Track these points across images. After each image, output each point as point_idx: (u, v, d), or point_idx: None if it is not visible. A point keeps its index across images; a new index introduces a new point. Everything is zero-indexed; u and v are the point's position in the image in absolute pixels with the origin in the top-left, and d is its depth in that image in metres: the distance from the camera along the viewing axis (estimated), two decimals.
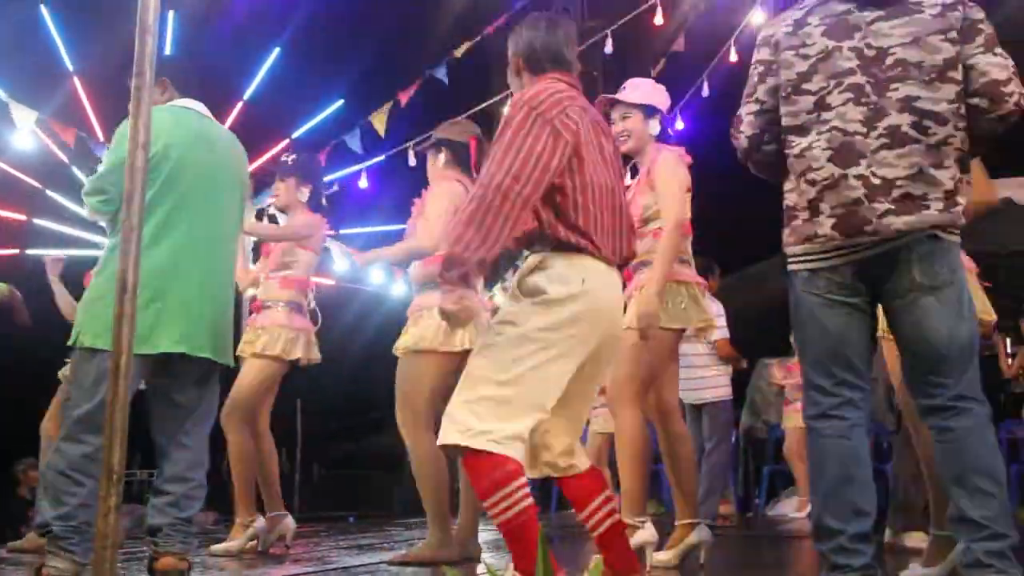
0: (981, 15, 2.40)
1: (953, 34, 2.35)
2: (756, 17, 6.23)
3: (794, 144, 2.43)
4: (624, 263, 2.62)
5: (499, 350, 2.37)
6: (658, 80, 4.07)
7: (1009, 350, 8.16)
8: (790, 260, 2.46)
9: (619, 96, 3.63)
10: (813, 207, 2.38)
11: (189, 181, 2.95)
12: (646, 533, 3.31)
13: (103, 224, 3.15)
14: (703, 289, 3.60)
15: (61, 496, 2.72)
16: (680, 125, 7.18)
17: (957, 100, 2.34)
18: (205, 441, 3.01)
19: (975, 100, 2.36)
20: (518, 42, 2.69)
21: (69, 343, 2.90)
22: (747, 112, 2.53)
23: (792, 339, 7.13)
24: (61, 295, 5.11)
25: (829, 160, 2.36)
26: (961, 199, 2.33)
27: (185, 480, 2.90)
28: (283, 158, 4.72)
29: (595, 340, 2.43)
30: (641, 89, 3.67)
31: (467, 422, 2.30)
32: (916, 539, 3.80)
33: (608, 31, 6.21)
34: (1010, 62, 2.37)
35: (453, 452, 2.37)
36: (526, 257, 2.52)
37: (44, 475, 2.88)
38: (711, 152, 4.00)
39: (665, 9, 6.00)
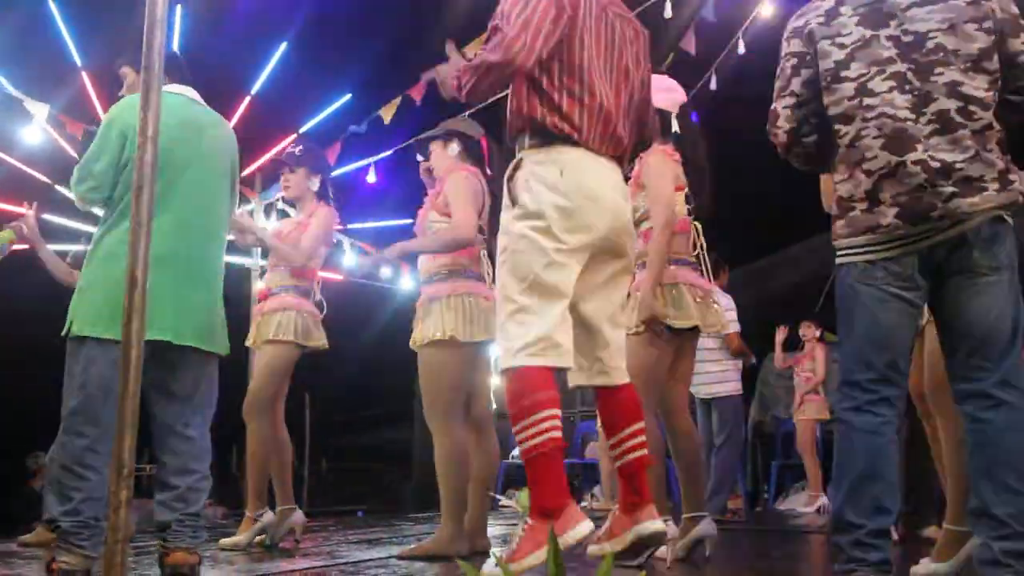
0: (1016, 9, 2.38)
1: (988, 23, 2.33)
2: (765, 10, 6.19)
3: (843, 133, 2.40)
4: (616, 155, 2.60)
5: (510, 263, 2.44)
6: (666, 74, 4.05)
7: None
8: (844, 251, 2.41)
9: None
10: (872, 197, 2.34)
11: (176, 167, 2.92)
12: (704, 527, 3.41)
13: (98, 212, 3.09)
14: (704, 292, 3.59)
15: (66, 491, 2.71)
16: (682, 96, 7.11)
17: (991, 88, 2.33)
18: (206, 431, 2.99)
19: (1018, 97, 2.37)
20: None
21: (62, 333, 2.87)
22: (783, 106, 2.49)
23: (801, 332, 7.11)
24: (50, 260, 5.03)
25: (883, 148, 2.33)
26: (1014, 177, 2.32)
27: (190, 472, 2.89)
28: (290, 149, 4.69)
29: (598, 227, 2.46)
30: None
31: (505, 344, 2.41)
32: (932, 532, 3.78)
33: None
34: None
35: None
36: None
37: (49, 469, 2.87)
38: (717, 147, 3.98)
39: (674, 3, 5.97)
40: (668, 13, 5.96)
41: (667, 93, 3.72)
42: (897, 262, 2.33)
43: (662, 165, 3.50)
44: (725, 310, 6.01)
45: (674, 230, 3.49)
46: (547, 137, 2.46)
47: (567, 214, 2.42)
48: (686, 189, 3.63)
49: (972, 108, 2.31)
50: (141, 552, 3.67)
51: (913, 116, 2.32)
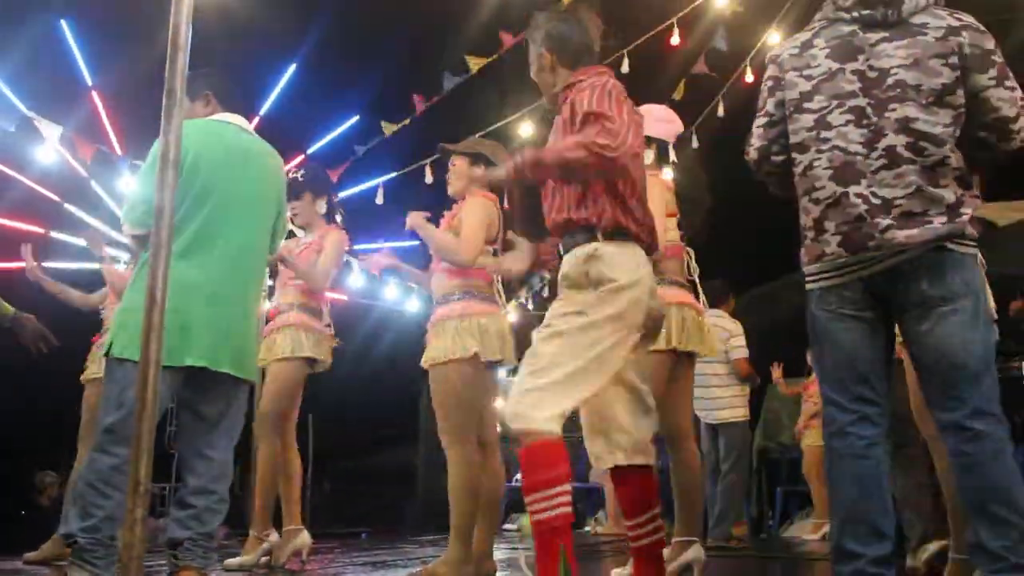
0: (992, 44, 2.39)
1: (954, 59, 2.35)
2: (772, 38, 6.26)
3: (798, 162, 2.47)
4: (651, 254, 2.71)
5: (569, 338, 2.47)
6: (676, 101, 4.12)
7: None
8: (806, 279, 2.48)
9: None
10: (819, 226, 2.41)
11: (222, 195, 2.96)
12: (693, 551, 3.49)
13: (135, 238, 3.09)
14: (698, 312, 3.64)
15: (89, 507, 2.73)
16: (695, 144, 7.20)
17: (953, 124, 2.35)
18: (230, 454, 3.02)
19: (983, 133, 2.39)
20: (548, 36, 2.72)
21: (102, 353, 2.94)
22: (757, 125, 2.59)
23: (808, 358, 7.13)
24: (61, 294, 5.15)
25: (831, 179, 2.39)
26: (966, 210, 2.33)
27: (209, 492, 2.91)
28: (293, 174, 4.72)
29: (644, 320, 2.56)
30: (647, 116, 3.74)
31: (531, 408, 2.41)
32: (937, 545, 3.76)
33: (624, 51, 6.24)
34: (1018, 94, 2.38)
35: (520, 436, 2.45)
36: (553, 268, 2.60)
37: (76, 484, 2.89)
38: (724, 172, 4.02)
39: (682, 30, 6.03)
40: (676, 40, 6.02)
41: (666, 124, 3.79)
42: (845, 288, 2.39)
43: (653, 189, 3.55)
44: (733, 335, 6.05)
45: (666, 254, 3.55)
46: (624, 236, 2.58)
47: (635, 305, 2.53)
48: (677, 216, 3.69)
49: (923, 144, 2.33)
50: (149, 571, 3.67)
51: (864, 151, 2.36)
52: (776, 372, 7.51)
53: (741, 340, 6.04)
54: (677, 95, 6.38)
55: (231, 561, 4.22)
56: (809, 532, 7.06)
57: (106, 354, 2.90)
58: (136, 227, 2.98)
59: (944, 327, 2.30)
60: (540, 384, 2.44)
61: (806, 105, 2.45)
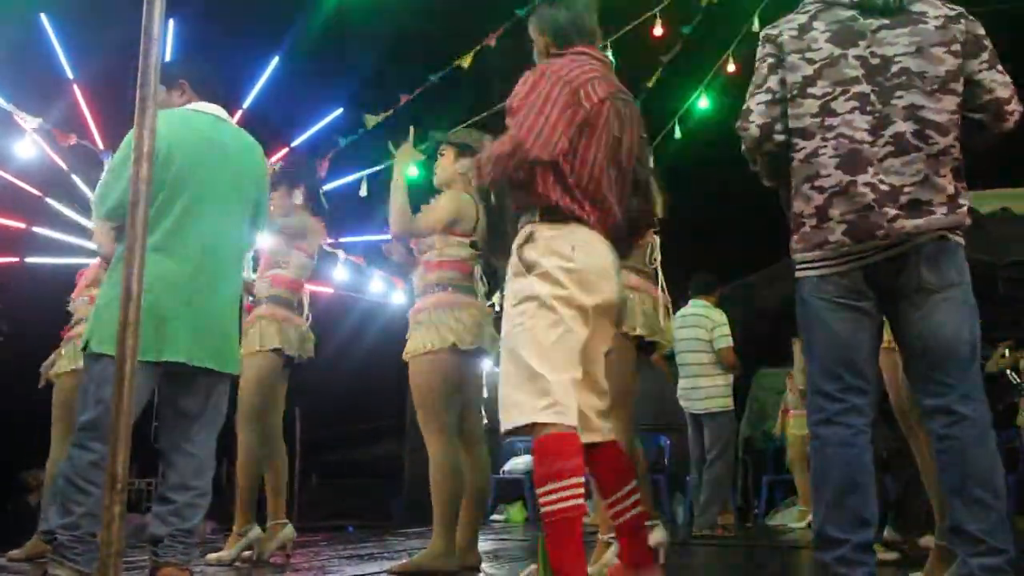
0: (982, 30, 2.43)
1: (956, 47, 2.38)
2: (755, 26, 6.25)
3: (799, 147, 2.44)
4: (613, 233, 2.67)
5: (528, 326, 2.48)
6: (656, 89, 4.11)
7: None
8: (799, 266, 2.47)
9: None
10: (822, 214, 2.39)
11: (197, 187, 2.93)
12: (658, 534, 3.42)
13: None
14: (657, 301, 3.62)
15: (68, 504, 2.72)
16: (678, 135, 7.20)
17: (957, 111, 2.38)
18: (211, 448, 3.00)
19: (978, 115, 2.41)
20: (541, 21, 2.77)
21: (80, 347, 2.92)
22: (757, 102, 2.51)
23: (795, 347, 7.18)
24: None
25: (837, 167, 2.37)
26: (963, 201, 2.36)
27: (188, 488, 2.90)
28: (273, 167, 4.69)
29: (593, 302, 2.53)
30: None
31: (528, 402, 2.42)
32: (927, 541, 3.79)
33: (607, 42, 6.23)
34: (1008, 78, 2.41)
35: (524, 431, 2.46)
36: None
37: (55, 482, 2.88)
38: (706, 162, 4.03)
39: (664, 20, 6.03)
40: (659, 31, 6.01)
41: None
42: (845, 276, 2.39)
43: None
44: (717, 325, 6.07)
45: None
46: (560, 216, 2.57)
47: (579, 280, 2.51)
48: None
49: (929, 132, 2.35)
50: (131, 567, 3.65)
51: (871, 138, 2.37)
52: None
53: (726, 330, 6.06)
54: (649, 83, 6.37)
55: (211, 556, 4.20)
56: (795, 520, 7.10)
57: (83, 349, 2.88)
58: (107, 219, 2.96)
59: (938, 313, 2.34)
60: (513, 381, 2.47)
61: (809, 90, 2.43)
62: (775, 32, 2.55)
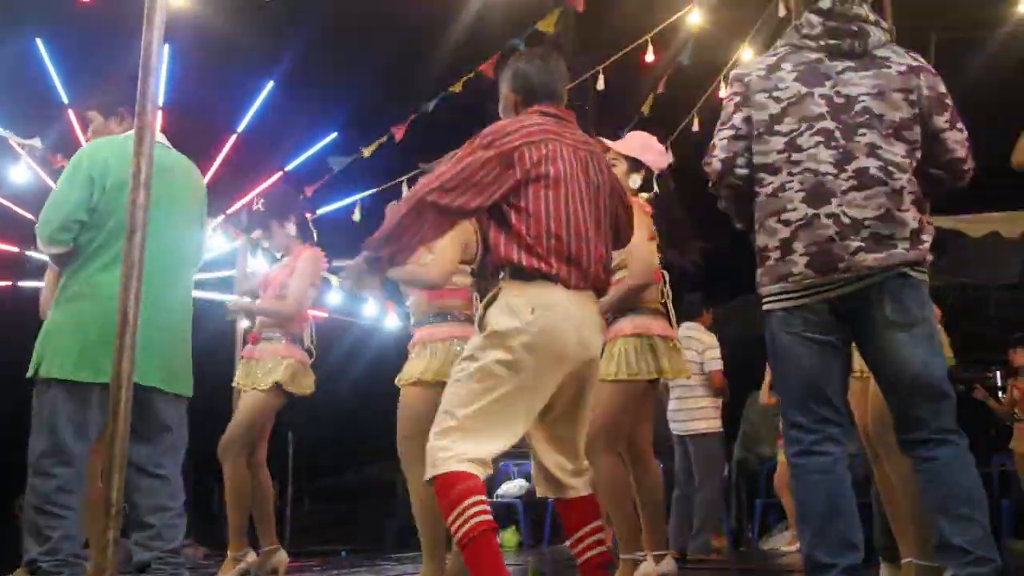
0: (943, 87, 2.53)
1: (913, 97, 2.47)
2: (746, 54, 6.32)
3: (766, 183, 2.50)
4: (597, 288, 2.64)
5: (463, 384, 2.46)
6: (648, 118, 4.19)
7: (999, 383, 8.21)
8: (765, 300, 2.51)
9: (612, 143, 3.79)
10: (785, 246, 2.44)
11: (152, 207, 2.93)
12: (647, 566, 3.45)
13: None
14: (674, 341, 3.70)
15: (43, 530, 2.71)
16: (670, 159, 7.23)
17: (909, 156, 2.46)
18: (178, 471, 2.99)
19: (938, 172, 2.54)
20: (513, 77, 2.76)
21: (28, 375, 2.86)
22: (721, 137, 2.59)
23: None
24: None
25: (803, 201, 2.43)
26: (926, 238, 2.43)
27: (165, 509, 2.88)
28: (256, 207, 4.70)
29: (563, 366, 2.49)
30: (636, 142, 3.82)
31: (435, 455, 2.41)
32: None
33: (599, 68, 6.29)
34: (965, 134, 2.52)
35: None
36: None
37: (26, 513, 2.83)
38: (697, 185, 4.07)
39: (656, 47, 6.08)
40: (650, 57, 6.07)
41: (659, 156, 3.87)
42: (810, 309, 2.43)
43: (636, 216, 3.58)
44: (708, 348, 6.09)
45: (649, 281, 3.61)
46: (526, 275, 2.51)
47: (531, 345, 2.44)
48: (657, 240, 3.74)
49: (891, 169, 2.42)
50: None
51: (834, 171, 2.42)
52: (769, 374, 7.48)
53: (716, 352, 6.08)
54: (645, 108, 6.42)
55: None
56: (787, 543, 7.09)
57: (32, 376, 2.85)
58: (50, 245, 2.92)
59: (904, 350, 2.39)
60: (436, 431, 2.46)
61: (776, 127, 2.50)
62: (744, 72, 2.62)
